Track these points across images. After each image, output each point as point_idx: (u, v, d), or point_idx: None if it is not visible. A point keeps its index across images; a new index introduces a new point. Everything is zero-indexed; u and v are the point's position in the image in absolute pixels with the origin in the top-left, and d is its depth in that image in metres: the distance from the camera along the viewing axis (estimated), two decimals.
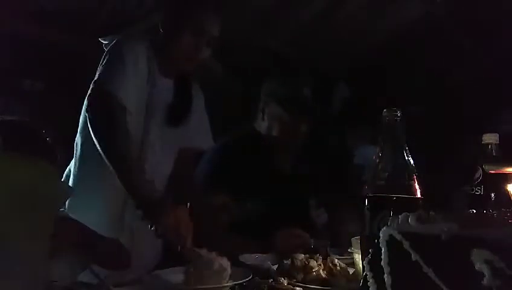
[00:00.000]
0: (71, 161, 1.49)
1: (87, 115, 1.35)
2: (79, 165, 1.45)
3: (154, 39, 1.45)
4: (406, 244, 0.55)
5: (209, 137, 1.62)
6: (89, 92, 1.35)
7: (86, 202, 1.36)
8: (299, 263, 1.11)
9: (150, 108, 1.43)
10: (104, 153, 1.28)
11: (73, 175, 1.45)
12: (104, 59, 1.39)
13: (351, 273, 1.10)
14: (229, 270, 1.07)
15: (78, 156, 1.46)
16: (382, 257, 0.57)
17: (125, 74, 1.34)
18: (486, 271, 0.48)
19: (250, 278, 1.05)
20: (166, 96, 1.48)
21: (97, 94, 1.33)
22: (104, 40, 1.46)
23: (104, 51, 1.43)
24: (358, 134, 2.80)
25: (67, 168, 1.48)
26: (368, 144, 2.48)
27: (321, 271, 1.09)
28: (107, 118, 1.31)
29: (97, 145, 1.29)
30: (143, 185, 1.28)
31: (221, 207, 1.56)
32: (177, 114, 1.50)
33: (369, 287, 0.59)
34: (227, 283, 1.05)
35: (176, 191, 1.46)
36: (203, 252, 1.10)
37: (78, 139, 1.47)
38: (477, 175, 1.19)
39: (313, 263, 1.10)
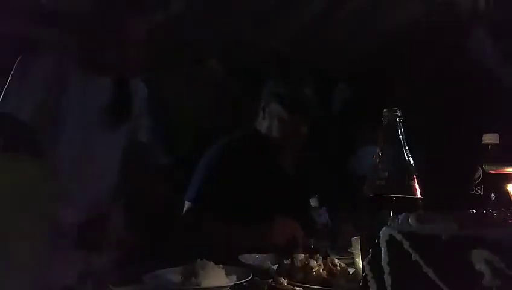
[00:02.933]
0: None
1: None
2: None
3: None
4: (406, 244, 0.54)
5: None
6: None
7: None
8: (299, 263, 1.11)
9: None
10: None
11: None
12: None
13: (351, 273, 1.10)
14: None
15: None
16: (382, 257, 0.57)
17: None
18: (486, 271, 0.48)
19: (250, 278, 1.05)
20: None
21: None
22: None
23: None
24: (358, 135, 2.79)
25: None
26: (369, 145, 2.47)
27: (321, 271, 1.09)
28: None
29: None
30: None
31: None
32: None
33: (369, 287, 0.59)
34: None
35: None
36: None
37: None
38: (477, 175, 1.19)
39: (313, 263, 1.10)
